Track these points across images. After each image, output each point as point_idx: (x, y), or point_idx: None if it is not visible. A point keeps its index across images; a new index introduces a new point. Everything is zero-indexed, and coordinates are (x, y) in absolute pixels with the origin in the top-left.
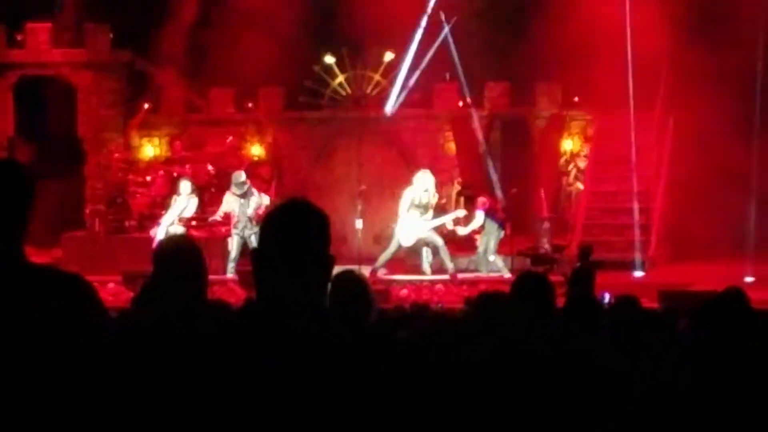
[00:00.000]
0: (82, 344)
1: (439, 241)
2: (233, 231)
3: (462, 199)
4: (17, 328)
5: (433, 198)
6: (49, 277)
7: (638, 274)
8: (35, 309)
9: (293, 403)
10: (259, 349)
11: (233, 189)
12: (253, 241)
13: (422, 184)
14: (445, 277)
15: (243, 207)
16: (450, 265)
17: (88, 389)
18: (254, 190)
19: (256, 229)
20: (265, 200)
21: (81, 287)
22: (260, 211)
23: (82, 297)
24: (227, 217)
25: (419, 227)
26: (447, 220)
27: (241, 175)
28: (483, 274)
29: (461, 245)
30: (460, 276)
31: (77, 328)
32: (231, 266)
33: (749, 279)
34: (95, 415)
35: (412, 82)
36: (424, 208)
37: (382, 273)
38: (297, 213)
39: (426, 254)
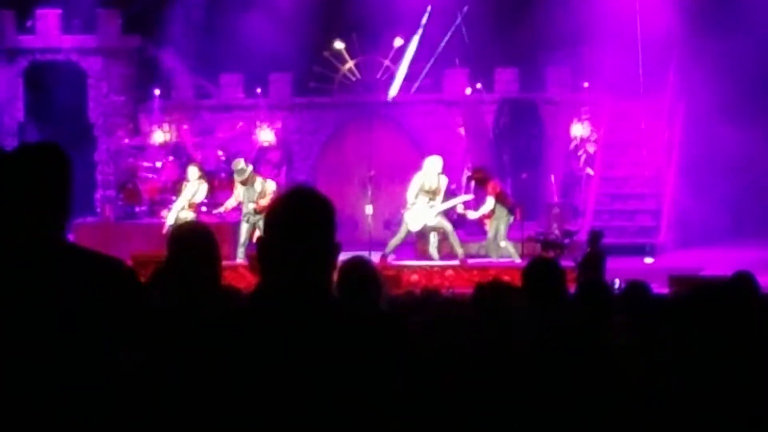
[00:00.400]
0: (126, 326)
1: (448, 226)
2: (242, 217)
3: (472, 184)
4: (63, 309)
5: (442, 183)
6: (93, 260)
7: (648, 259)
8: (81, 290)
9: (303, 387)
10: (267, 334)
11: (236, 176)
12: (260, 227)
13: (432, 169)
14: (455, 262)
15: (247, 193)
16: (459, 251)
17: (132, 369)
18: (258, 176)
19: (262, 216)
20: (271, 186)
21: (123, 271)
22: (264, 198)
23: (124, 280)
24: (235, 207)
25: (427, 212)
26: (454, 204)
27: (239, 162)
28: (494, 260)
29: (472, 230)
30: (471, 261)
31: (121, 311)
32: (241, 251)
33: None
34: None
35: (422, 66)
36: (433, 193)
37: (391, 258)
38: (302, 200)
39: (434, 239)
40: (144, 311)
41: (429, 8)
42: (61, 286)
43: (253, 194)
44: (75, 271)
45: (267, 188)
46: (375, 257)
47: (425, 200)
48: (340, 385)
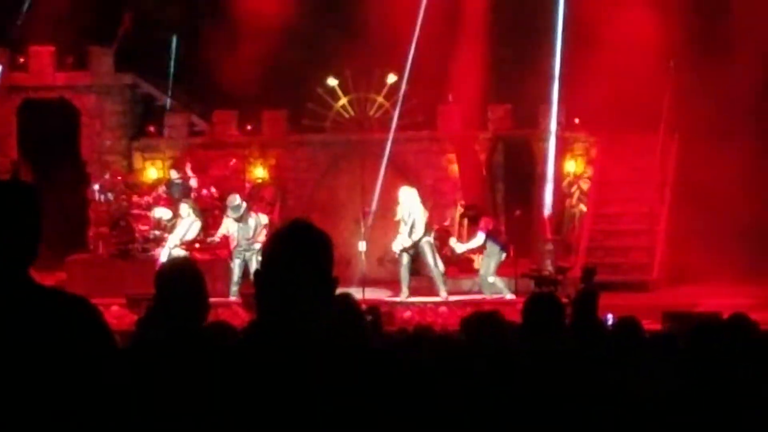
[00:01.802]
0: (87, 366)
1: (430, 261)
2: (234, 254)
3: (465, 221)
4: (24, 349)
5: (414, 214)
6: (56, 300)
7: (642, 295)
8: (42, 331)
9: (298, 421)
10: (263, 370)
11: (229, 213)
12: (254, 263)
13: (402, 200)
14: (451, 298)
15: (242, 230)
16: (441, 287)
17: (93, 410)
18: (251, 213)
19: (257, 249)
20: (263, 219)
21: (87, 310)
22: (262, 234)
23: (88, 319)
24: (225, 239)
25: (404, 240)
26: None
27: (235, 199)
28: (487, 296)
29: (464, 267)
30: (464, 298)
31: (83, 350)
32: (234, 289)
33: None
34: None
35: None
36: (404, 222)
37: (405, 296)
38: (300, 234)
39: (405, 266)
40: (107, 349)
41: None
42: (20, 325)
43: (248, 231)
44: (36, 309)
45: (260, 222)
46: (369, 294)
47: (405, 228)
48: (338, 419)
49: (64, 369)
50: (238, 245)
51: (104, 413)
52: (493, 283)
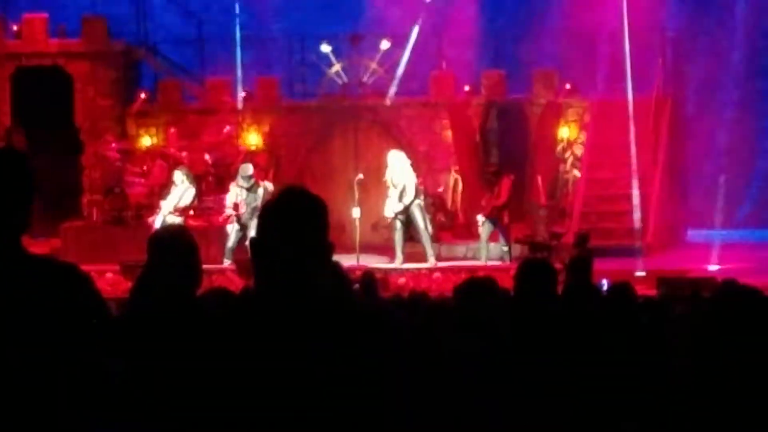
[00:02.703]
0: (79, 334)
1: (420, 224)
2: (234, 220)
3: (458, 187)
4: (15, 319)
5: (405, 178)
6: (46, 268)
7: (636, 260)
8: (33, 300)
9: (296, 386)
10: (260, 334)
11: (240, 181)
12: (252, 231)
13: (391, 164)
14: (446, 264)
15: (249, 199)
16: (429, 252)
17: (87, 378)
18: (260, 182)
19: None
20: (270, 187)
21: (78, 277)
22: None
23: (78, 287)
24: (236, 207)
25: (394, 204)
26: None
27: (248, 168)
28: (482, 263)
29: (459, 232)
30: (458, 264)
31: (74, 317)
32: (228, 254)
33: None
34: (96, 404)
35: (408, 69)
36: (394, 186)
37: (399, 262)
38: (295, 201)
39: (399, 230)
40: (99, 317)
41: (418, 23)
42: (12, 294)
43: (256, 200)
44: (26, 278)
45: (269, 190)
46: (363, 260)
47: (394, 192)
48: (334, 386)
49: (55, 337)
50: (244, 212)
51: (97, 382)
52: (494, 247)
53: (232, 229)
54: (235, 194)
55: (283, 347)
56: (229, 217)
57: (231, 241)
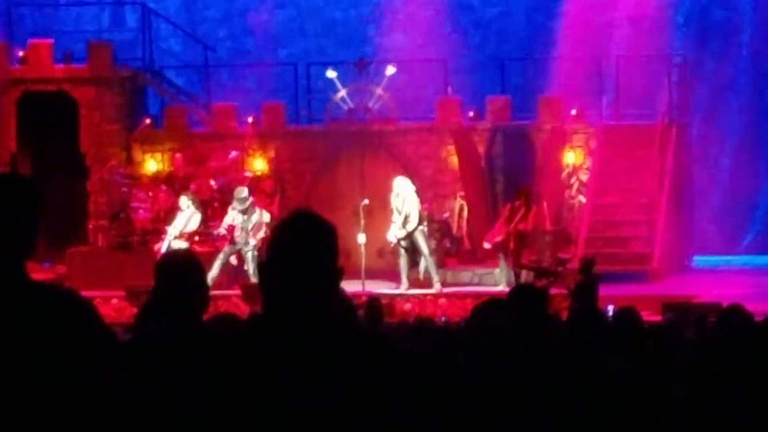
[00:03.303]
0: (79, 360)
1: (425, 250)
2: (230, 242)
3: (464, 213)
4: (14, 345)
5: (408, 205)
6: (47, 295)
7: (642, 285)
8: (33, 326)
9: (304, 412)
10: (268, 359)
11: (235, 204)
12: (249, 259)
13: (396, 191)
14: (451, 290)
15: (245, 222)
16: (435, 278)
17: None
18: (256, 208)
19: (252, 245)
20: (266, 217)
21: (78, 303)
22: (261, 230)
23: (79, 313)
24: (231, 230)
25: (397, 231)
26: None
27: (243, 191)
28: (486, 288)
29: (465, 258)
30: (465, 289)
31: (75, 344)
32: (212, 276)
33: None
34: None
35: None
36: (399, 212)
37: (404, 288)
38: (304, 224)
39: (403, 259)
40: (101, 342)
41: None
42: (12, 320)
43: (250, 224)
44: (28, 304)
45: (263, 219)
46: (368, 286)
47: (398, 218)
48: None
49: (56, 364)
50: (239, 236)
51: (98, 408)
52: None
53: (224, 252)
54: (232, 217)
55: (291, 372)
56: (221, 239)
57: (216, 267)
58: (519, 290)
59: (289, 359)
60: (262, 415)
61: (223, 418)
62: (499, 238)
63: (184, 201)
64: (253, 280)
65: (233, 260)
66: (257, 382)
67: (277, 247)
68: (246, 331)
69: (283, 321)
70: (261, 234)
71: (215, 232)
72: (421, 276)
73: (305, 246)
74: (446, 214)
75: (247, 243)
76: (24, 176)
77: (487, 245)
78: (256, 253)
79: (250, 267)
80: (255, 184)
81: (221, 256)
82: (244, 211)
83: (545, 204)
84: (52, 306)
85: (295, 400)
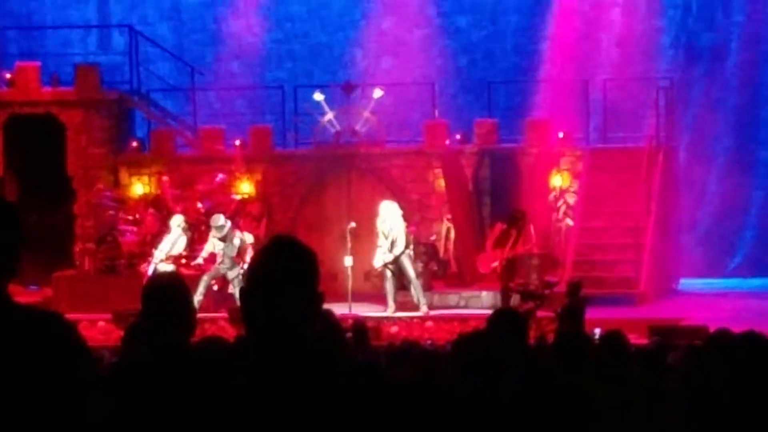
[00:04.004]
0: (62, 385)
1: (411, 274)
2: (212, 269)
3: (451, 235)
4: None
5: (394, 229)
6: (29, 317)
7: (629, 309)
8: (14, 349)
9: None
10: (251, 387)
11: (214, 232)
12: (237, 284)
13: (382, 215)
14: (438, 313)
15: (226, 249)
16: (422, 300)
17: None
18: (236, 231)
19: (240, 270)
20: (249, 239)
21: (61, 326)
22: (247, 253)
23: (61, 336)
24: (212, 258)
25: (384, 255)
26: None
27: (219, 218)
28: (473, 311)
29: (452, 282)
30: (452, 312)
31: (57, 367)
32: (198, 299)
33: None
34: None
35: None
36: (385, 237)
37: (391, 311)
38: (284, 250)
39: (390, 281)
40: (84, 366)
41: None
42: None
43: (233, 250)
44: (9, 327)
45: (245, 241)
46: (355, 309)
47: (384, 242)
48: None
49: (37, 387)
50: (222, 263)
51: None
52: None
53: (207, 276)
54: (213, 245)
55: (273, 397)
56: (206, 263)
57: (199, 291)
58: (499, 315)
59: (271, 384)
60: None
61: None
62: (496, 264)
63: (175, 221)
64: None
65: (214, 286)
66: (241, 406)
67: (257, 272)
68: (231, 355)
69: (264, 346)
70: (248, 257)
71: (193, 263)
72: (414, 300)
73: (285, 272)
74: (433, 237)
75: (232, 268)
76: (3, 199)
77: (483, 271)
78: (241, 276)
79: (236, 290)
80: (242, 207)
81: (204, 279)
82: (223, 239)
83: (532, 227)
84: (35, 328)
85: (277, 424)
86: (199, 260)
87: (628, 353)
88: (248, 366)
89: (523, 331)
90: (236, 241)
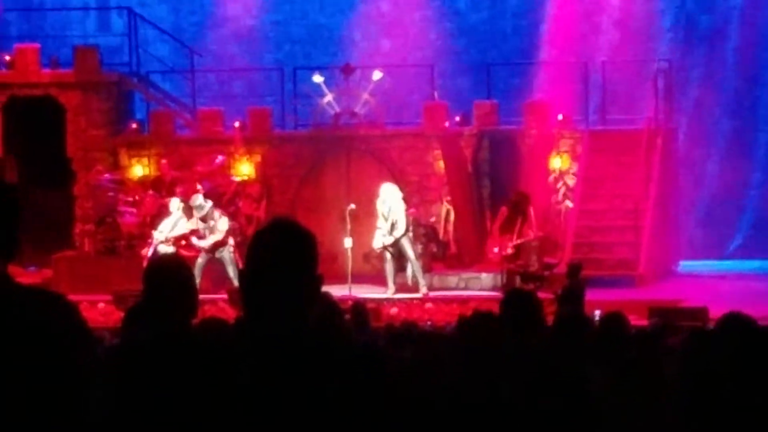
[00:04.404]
0: (65, 365)
1: (411, 255)
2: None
3: (451, 217)
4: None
5: (394, 211)
6: (32, 297)
7: (629, 290)
8: (17, 329)
9: (287, 420)
10: (251, 370)
11: (194, 212)
12: (226, 258)
13: (381, 197)
14: (438, 294)
15: (207, 227)
16: (421, 282)
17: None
18: (215, 211)
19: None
20: (223, 225)
21: (64, 306)
22: (214, 234)
23: (64, 316)
24: (195, 233)
25: (384, 237)
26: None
27: (197, 198)
28: (472, 293)
29: (452, 263)
30: (452, 294)
31: (59, 347)
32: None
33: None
34: None
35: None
36: (385, 219)
37: (391, 292)
38: (283, 233)
39: (389, 263)
40: (86, 346)
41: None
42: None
43: (214, 228)
44: (11, 307)
45: (219, 225)
46: (355, 290)
47: (384, 225)
48: (324, 419)
49: (41, 368)
50: (204, 239)
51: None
52: (483, 278)
53: (199, 261)
54: (195, 223)
55: (272, 380)
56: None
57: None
58: (513, 296)
59: (271, 367)
60: (247, 422)
61: (209, 424)
62: (509, 250)
63: (174, 204)
64: (235, 283)
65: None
66: (241, 389)
67: (255, 254)
68: (230, 339)
69: (263, 328)
70: (216, 238)
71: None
72: (410, 281)
73: (284, 254)
74: (432, 219)
75: (216, 248)
76: (2, 181)
77: (492, 257)
78: (233, 255)
79: (230, 269)
80: (241, 189)
81: (198, 263)
82: (203, 218)
83: (532, 209)
84: (38, 308)
85: (277, 408)
86: (203, 243)
87: (629, 336)
88: (247, 349)
89: (540, 312)
90: (219, 223)
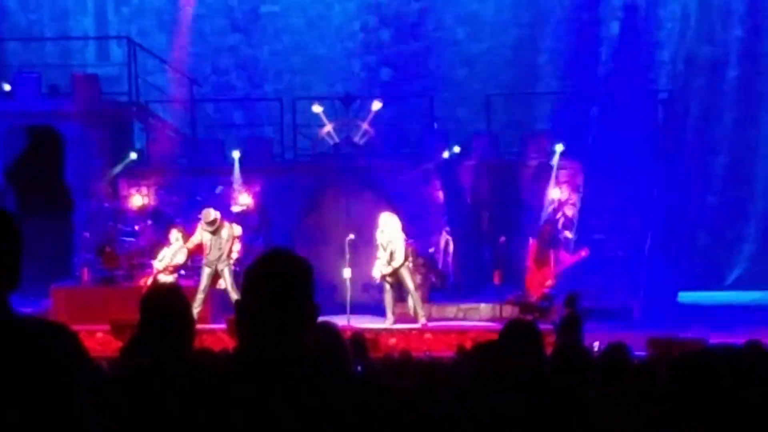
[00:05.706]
0: (66, 393)
1: (410, 285)
2: (203, 262)
3: (450, 248)
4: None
5: (393, 241)
6: (34, 328)
7: (627, 321)
8: (19, 359)
9: None
10: (246, 399)
11: (204, 226)
12: (226, 274)
13: (381, 226)
14: (437, 324)
15: (215, 241)
16: (420, 312)
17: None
18: (225, 223)
19: (225, 261)
20: (237, 230)
21: (65, 336)
22: (235, 244)
23: (66, 346)
24: (199, 247)
25: (383, 267)
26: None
27: (210, 214)
28: (471, 323)
29: (450, 294)
30: (450, 324)
31: (62, 377)
32: (200, 297)
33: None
34: None
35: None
36: (384, 248)
37: (390, 323)
38: (279, 262)
39: (388, 294)
40: (88, 375)
41: None
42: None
43: (221, 242)
44: (13, 337)
45: (234, 232)
46: (354, 321)
47: (383, 254)
48: None
49: (42, 397)
50: (209, 254)
51: None
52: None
53: (205, 272)
54: (200, 236)
55: (267, 410)
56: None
57: (203, 283)
58: (512, 326)
59: (266, 398)
60: None
61: None
62: (550, 282)
63: (174, 234)
64: (233, 296)
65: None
66: (237, 418)
67: (252, 284)
68: (226, 367)
69: (258, 359)
70: (236, 247)
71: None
72: (411, 312)
73: (280, 284)
74: (432, 249)
75: (219, 259)
76: (3, 210)
77: (536, 293)
78: (232, 268)
79: (228, 281)
80: (241, 220)
81: (203, 276)
82: (213, 232)
83: (531, 240)
84: (39, 338)
85: None
86: (189, 245)
87: (631, 366)
88: (242, 378)
89: (540, 342)
90: (224, 233)
